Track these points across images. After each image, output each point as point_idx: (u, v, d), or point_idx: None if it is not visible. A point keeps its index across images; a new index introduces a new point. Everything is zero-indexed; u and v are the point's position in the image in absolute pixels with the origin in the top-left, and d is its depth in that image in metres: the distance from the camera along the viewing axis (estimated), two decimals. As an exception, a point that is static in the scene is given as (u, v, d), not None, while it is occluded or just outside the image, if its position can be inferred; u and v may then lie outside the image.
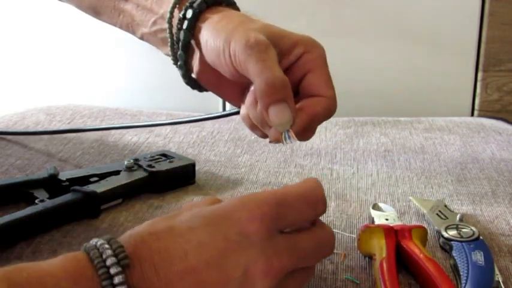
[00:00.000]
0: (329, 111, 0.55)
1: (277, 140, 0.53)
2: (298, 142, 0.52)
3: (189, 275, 0.41)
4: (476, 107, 1.18)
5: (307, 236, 0.45)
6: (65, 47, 1.23)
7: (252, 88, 0.57)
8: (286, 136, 0.52)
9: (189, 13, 0.58)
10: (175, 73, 0.63)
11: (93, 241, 0.42)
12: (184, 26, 0.59)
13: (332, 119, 0.55)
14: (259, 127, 0.57)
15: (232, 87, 0.59)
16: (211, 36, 0.56)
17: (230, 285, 0.41)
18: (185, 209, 0.47)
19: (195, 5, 0.59)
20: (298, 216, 0.45)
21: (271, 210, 0.43)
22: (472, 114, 1.18)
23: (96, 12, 0.70)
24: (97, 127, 0.90)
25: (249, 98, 0.57)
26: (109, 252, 0.40)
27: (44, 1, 1.21)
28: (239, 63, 0.53)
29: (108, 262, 0.40)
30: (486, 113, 1.16)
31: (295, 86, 0.56)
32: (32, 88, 1.25)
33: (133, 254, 0.41)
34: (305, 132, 0.54)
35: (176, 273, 0.41)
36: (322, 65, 0.55)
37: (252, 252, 0.42)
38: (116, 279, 0.39)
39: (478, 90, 1.17)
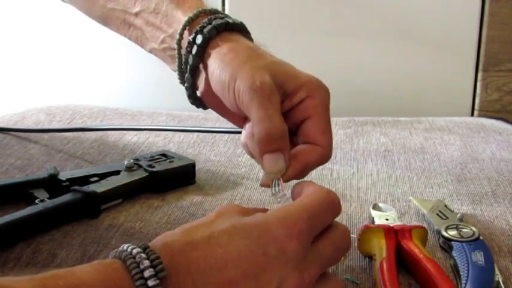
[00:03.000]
0: (322, 161, 0.55)
1: (267, 186, 0.54)
2: (287, 195, 0.53)
3: (226, 286, 0.41)
4: (476, 107, 1.18)
5: (329, 242, 0.47)
6: (65, 47, 1.23)
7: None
8: (276, 183, 0.53)
9: (199, 39, 0.58)
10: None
11: (128, 247, 0.41)
12: (194, 51, 0.58)
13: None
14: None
15: (234, 112, 0.59)
16: (218, 68, 0.56)
17: None
18: (218, 214, 0.47)
19: (205, 30, 0.58)
20: (323, 224, 0.47)
21: (306, 226, 0.45)
22: (472, 114, 1.18)
23: (105, 22, 0.69)
24: (101, 127, 0.91)
25: (248, 130, 0.57)
26: (147, 263, 0.40)
27: (44, 1, 1.21)
28: (242, 103, 0.53)
29: (146, 274, 0.40)
30: (486, 113, 1.16)
31: (295, 127, 0.56)
32: (32, 88, 1.26)
33: (170, 265, 0.41)
34: (296, 177, 0.55)
35: (214, 284, 0.41)
36: (322, 112, 0.55)
37: (287, 268, 0.43)
38: None
39: (478, 90, 1.17)
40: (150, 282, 0.39)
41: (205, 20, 0.59)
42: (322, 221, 0.47)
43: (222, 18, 0.59)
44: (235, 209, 0.48)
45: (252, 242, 0.43)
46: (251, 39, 0.61)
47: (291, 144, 0.55)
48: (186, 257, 0.42)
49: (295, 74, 0.56)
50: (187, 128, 0.93)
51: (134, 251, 0.41)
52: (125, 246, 0.42)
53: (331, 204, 0.48)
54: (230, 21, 0.59)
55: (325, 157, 0.55)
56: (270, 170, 0.53)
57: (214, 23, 0.58)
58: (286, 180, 0.53)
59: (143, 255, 0.41)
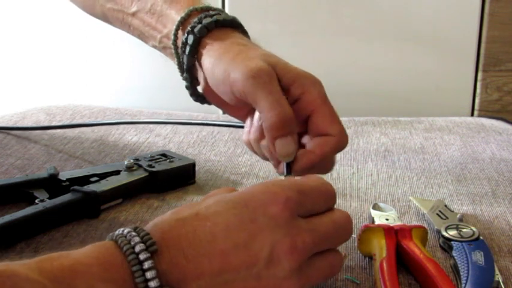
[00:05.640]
0: (340, 147, 0.56)
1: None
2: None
3: (218, 257, 0.42)
4: (476, 107, 1.18)
5: (327, 219, 0.47)
6: (65, 47, 1.23)
7: (255, 120, 0.58)
8: (285, 168, 0.55)
9: (190, 39, 0.58)
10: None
11: (119, 230, 0.43)
12: (186, 51, 0.59)
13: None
14: (259, 153, 0.59)
15: (236, 106, 0.59)
16: (211, 65, 0.56)
17: (257, 265, 0.43)
18: (206, 197, 0.48)
19: (195, 30, 0.58)
20: (314, 206, 0.47)
21: (294, 195, 0.45)
22: (472, 114, 1.18)
23: (106, 20, 0.71)
24: (102, 122, 0.91)
25: (254, 133, 0.58)
26: (137, 239, 0.41)
27: (44, 1, 1.21)
28: (244, 93, 0.53)
29: (137, 249, 0.41)
30: (486, 113, 1.16)
31: (301, 124, 0.56)
32: (32, 88, 1.25)
33: (161, 241, 0.42)
34: (322, 168, 0.56)
35: (205, 256, 0.42)
36: (323, 104, 0.56)
37: (277, 233, 0.43)
38: (146, 265, 0.40)
39: (478, 90, 1.17)
40: (142, 256, 0.40)
41: (196, 19, 0.59)
42: (313, 202, 0.47)
43: (212, 16, 0.59)
44: (225, 189, 0.49)
45: (239, 211, 0.44)
46: (245, 33, 0.61)
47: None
48: (176, 233, 0.43)
49: (287, 67, 0.56)
50: (188, 121, 0.93)
51: (125, 231, 0.42)
52: (118, 230, 0.43)
53: (325, 191, 0.48)
54: (220, 18, 0.59)
55: (341, 143, 0.56)
56: (284, 154, 0.53)
57: (204, 22, 0.58)
58: (305, 172, 0.54)
59: (134, 233, 0.42)
